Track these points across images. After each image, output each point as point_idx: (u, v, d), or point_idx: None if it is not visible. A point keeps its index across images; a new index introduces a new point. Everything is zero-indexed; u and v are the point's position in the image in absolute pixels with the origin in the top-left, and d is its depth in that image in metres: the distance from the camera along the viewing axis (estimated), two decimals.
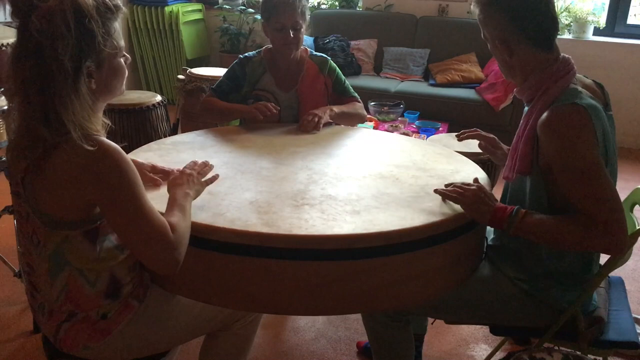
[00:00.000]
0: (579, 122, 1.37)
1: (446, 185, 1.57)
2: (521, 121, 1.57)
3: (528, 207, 1.49)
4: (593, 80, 1.55)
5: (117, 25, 1.28)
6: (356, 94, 2.40)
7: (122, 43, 1.31)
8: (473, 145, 2.70)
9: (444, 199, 1.53)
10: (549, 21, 1.47)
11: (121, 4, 1.29)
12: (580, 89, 1.45)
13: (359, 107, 2.37)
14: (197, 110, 2.32)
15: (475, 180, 1.59)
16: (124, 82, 1.35)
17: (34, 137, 1.20)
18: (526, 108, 1.57)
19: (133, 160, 1.61)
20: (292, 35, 2.17)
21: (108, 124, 1.33)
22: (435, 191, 1.55)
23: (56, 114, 1.18)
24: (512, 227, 1.42)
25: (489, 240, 1.74)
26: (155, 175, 1.64)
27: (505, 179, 1.61)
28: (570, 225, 1.37)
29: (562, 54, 1.51)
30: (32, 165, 1.22)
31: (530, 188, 1.50)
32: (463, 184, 1.53)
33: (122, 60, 1.31)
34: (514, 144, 1.57)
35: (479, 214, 1.46)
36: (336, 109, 2.28)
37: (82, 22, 1.18)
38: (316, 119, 2.17)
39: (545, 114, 1.41)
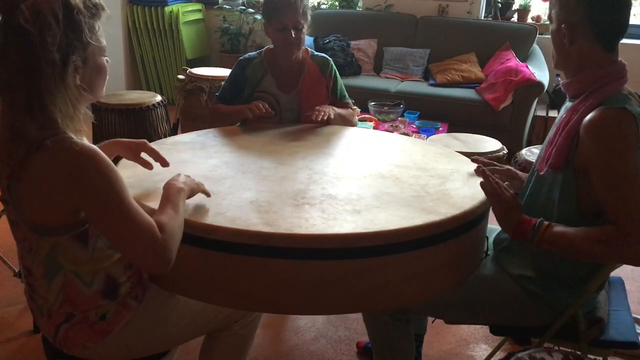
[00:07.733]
0: (626, 128, 1.36)
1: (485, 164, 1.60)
2: (562, 114, 1.53)
3: (557, 207, 1.47)
4: (635, 93, 1.52)
5: (100, 25, 1.28)
6: (349, 100, 2.42)
7: (105, 43, 1.31)
8: (473, 145, 2.72)
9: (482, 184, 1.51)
10: (621, 21, 1.44)
11: (105, 7, 1.29)
12: (629, 96, 1.43)
13: (351, 113, 2.40)
14: (207, 120, 2.34)
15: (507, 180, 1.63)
16: (105, 84, 1.35)
17: (17, 137, 1.19)
18: (568, 103, 1.54)
19: (129, 142, 1.60)
20: (293, 35, 2.17)
21: (91, 117, 1.33)
22: (477, 170, 1.55)
23: (41, 107, 1.18)
24: (536, 238, 1.41)
25: (495, 235, 1.73)
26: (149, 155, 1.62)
27: (537, 170, 1.58)
28: (595, 237, 1.35)
29: (620, 59, 1.48)
30: (15, 171, 1.20)
31: (561, 187, 1.47)
32: (506, 186, 1.50)
33: (104, 60, 1.32)
34: (552, 136, 1.53)
35: (506, 221, 1.46)
36: (337, 110, 2.29)
37: (70, 14, 1.19)
38: (326, 114, 2.18)
39: (592, 114, 1.39)
